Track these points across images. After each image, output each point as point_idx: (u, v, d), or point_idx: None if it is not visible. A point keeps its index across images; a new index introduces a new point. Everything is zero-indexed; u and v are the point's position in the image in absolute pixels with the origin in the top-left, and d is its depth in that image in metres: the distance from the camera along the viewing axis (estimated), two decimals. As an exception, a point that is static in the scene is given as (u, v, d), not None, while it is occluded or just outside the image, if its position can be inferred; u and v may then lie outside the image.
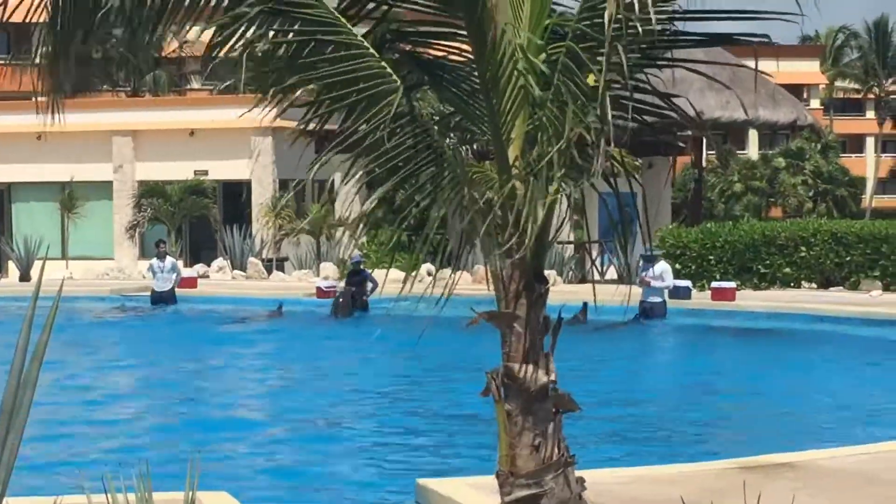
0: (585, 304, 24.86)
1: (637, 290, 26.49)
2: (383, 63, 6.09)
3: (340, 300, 28.02)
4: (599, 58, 5.58)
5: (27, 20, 6.53)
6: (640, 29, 5.14)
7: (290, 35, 6.16)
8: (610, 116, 5.34)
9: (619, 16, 5.13)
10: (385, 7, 6.27)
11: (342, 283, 29.61)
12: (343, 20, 6.12)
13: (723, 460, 10.56)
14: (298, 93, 6.27)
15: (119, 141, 42.79)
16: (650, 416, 15.85)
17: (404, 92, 6.03)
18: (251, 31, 6.11)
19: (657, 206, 37.00)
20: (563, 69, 5.61)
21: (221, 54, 6.08)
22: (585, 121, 5.53)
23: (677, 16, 5.78)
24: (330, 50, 6.13)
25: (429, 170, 6.13)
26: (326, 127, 6.47)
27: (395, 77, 6.07)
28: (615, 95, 5.62)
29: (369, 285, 28.64)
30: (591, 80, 5.60)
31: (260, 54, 6.15)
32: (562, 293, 21.83)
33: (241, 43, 6.09)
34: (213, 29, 6.13)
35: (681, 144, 37.31)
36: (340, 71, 6.09)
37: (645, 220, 5.89)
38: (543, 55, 5.74)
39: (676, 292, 27.66)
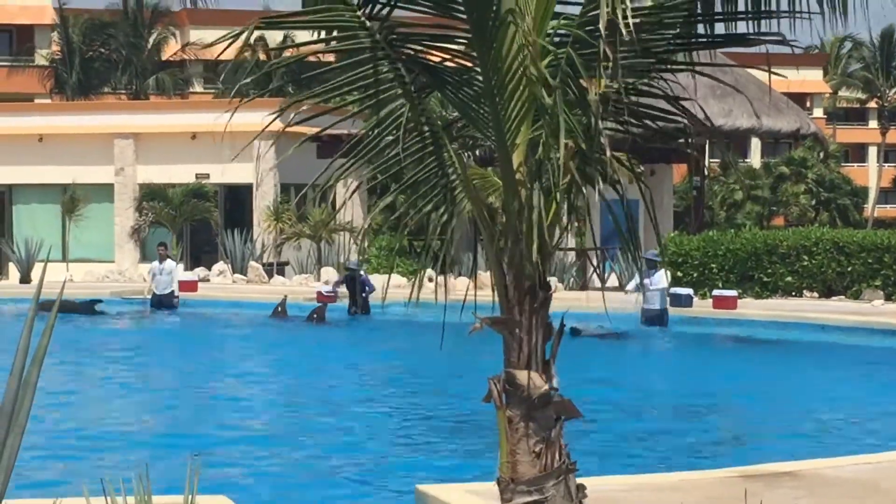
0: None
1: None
2: (398, 66, 6.04)
3: (315, 315, 27.96)
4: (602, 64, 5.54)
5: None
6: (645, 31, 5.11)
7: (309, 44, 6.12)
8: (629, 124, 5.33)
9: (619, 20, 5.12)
10: (391, 8, 6.22)
11: (343, 287, 29.55)
12: (362, 21, 6.04)
13: (724, 468, 10.52)
14: (294, 104, 6.21)
15: (121, 143, 42.72)
16: (651, 424, 15.82)
17: (411, 97, 5.99)
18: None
19: (659, 213, 36.98)
20: (562, 76, 5.57)
21: (228, 57, 6.06)
22: (577, 130, 5.50)
23: (690, 19, 5.76)
24: (344, 57, 6.08)
25: (432, 176, 6.10)
26: (330, 132, 6.44)
27: (405, 80, 6.03)
28: (619, 101, 5.59)
29: (366, 289, 28.67)
30: (600, 86, 5.55)
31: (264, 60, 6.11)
32: (564, 300, 21.76)
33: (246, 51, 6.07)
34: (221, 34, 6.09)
35: (690, 151, 37.19)
36: (351, 79, 6.05)
37: (655, 225, 5.87)
38: (548, 59, 5.71)
39: (678, 300, 27.63)
